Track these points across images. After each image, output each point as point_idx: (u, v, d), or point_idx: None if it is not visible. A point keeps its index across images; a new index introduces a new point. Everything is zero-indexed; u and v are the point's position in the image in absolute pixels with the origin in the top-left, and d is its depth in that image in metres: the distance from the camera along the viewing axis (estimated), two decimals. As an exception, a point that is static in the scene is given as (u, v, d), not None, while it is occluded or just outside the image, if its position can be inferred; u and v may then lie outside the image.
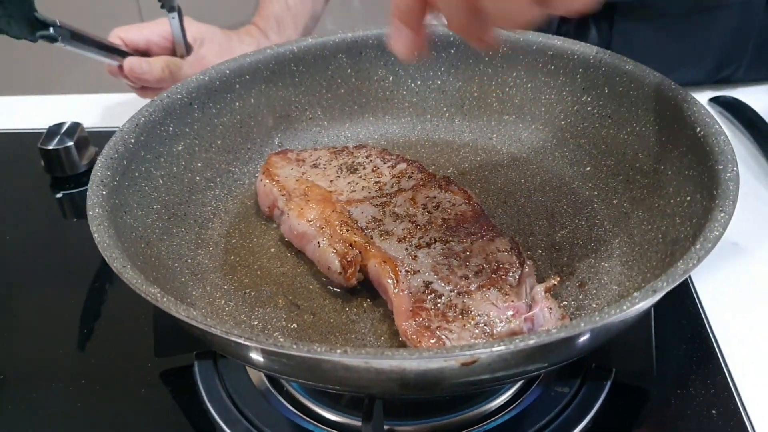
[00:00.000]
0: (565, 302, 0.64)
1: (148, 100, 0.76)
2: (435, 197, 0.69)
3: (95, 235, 0.57)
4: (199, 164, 0.78)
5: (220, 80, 0.80)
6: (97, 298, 0.81)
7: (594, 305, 0.64)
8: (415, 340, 0.57)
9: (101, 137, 1.06)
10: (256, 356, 0.51)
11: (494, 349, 0.45)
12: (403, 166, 0.74)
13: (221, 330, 0.48)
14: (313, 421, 0.64)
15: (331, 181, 0.74)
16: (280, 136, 0.85)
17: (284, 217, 0.71)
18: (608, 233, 0.71)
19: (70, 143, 0.98)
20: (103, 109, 1.16)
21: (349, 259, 0.64)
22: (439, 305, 0.59)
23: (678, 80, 1.12)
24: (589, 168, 0.78)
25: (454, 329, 0.57)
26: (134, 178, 0.69)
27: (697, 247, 0.53)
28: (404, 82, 0.88)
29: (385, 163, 0.75)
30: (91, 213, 0.59)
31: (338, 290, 0.67)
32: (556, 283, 0.60)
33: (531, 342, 0.46)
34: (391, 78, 0.88)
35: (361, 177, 0.74)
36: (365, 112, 0.88)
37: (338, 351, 0.46)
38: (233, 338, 0.48)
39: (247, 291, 0.67)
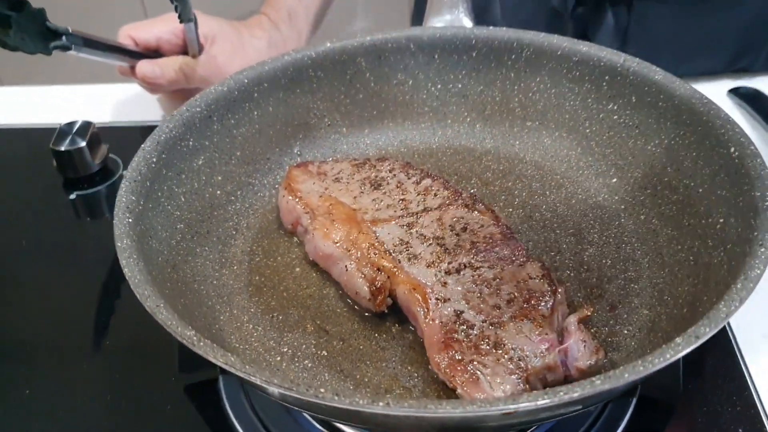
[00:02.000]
0: (595, 328, 0.64)
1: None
2: (462, 218, 0.68)
3: (126, 270, 0.56)
4: (220, 178, 0.76)
5: (238, 90, 0.78)
6: (114, 300, 0.81)
7: (626, 332, 0.63)
8: (449, 375, 0.57)
9: (113, 133, 1.06)
10: (295, 402, 0.51)
11: (539, 402, 0.45)
12: (428, 182, 0.73)
13: (261, 379, 0.48)
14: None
15: (355, 197, 0.73)
16: (300, 144, 0.84)
17: (309, 237, 0.70)
18: (637, 251, 0.70)
19: (83, 144, 0.97)
20: (114, 101, 1.14)
21: (378, 285, 0.63)
22: (471, 337, 0.58)
23: (695, 70, 1.11)
24: (615, 180, 0.77)
25: (488, 363, 0.56)
26: (157, 199, 0.68)
27: (738, 287, 0.52)
28: (424, 86, 0.87)
29: (409, 179, 0.74)
30: (119, 244, 0.58)
31: (366, 314, 0.66)
32: (589, 314, 0.60)
33: (575, 395, 0.45)
34: (410, 82, 0.86)
35: (385, 193, 0.73)
36: (384, 118, 0.87)
37: (380, 404, 0.46)
38: (274, 388, 0.47)
39: (275, 315, 0.67)
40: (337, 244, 0.67)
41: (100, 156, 1.00)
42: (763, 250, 0.55)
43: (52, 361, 0.74)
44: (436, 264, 0.64)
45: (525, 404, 0.45)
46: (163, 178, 0.69)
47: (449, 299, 0.61)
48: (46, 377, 0.72)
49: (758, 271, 0.53)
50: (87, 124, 0.99)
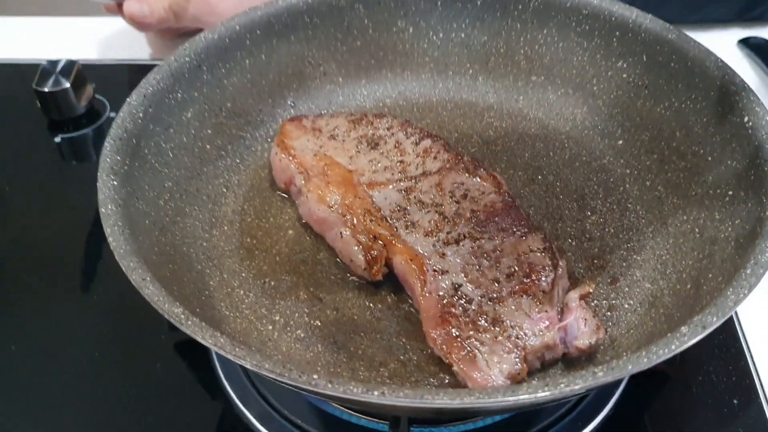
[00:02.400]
0: (596, 301, 0.62)
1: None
2: (463, 183, 0.65)
3: (110, 239, 0.54)
4: (209, 131, 0.73)
5: (229, 38, 0.74)
6: (101, 249, 0.78)
7: (626, 306, 0.62)
8: (445, 351, 0.55)
9: (99, 71, 1.01)
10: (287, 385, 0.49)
11: (539, 395, 0.44)
12: (427, 142, 0.70)
13: (252, 363, 0.46)
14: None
15: (351, 157, 0.70)
16: (293, 95, 0.80)
17: (302, 198, 0.68)
18: (641, 220, 0.68)
19: (67, 85, 0.93)
20: (99, 37, 1.09)
21: (374, 254, 0.61)
22: (468, 312, 0.57)
23: (705, 18, 1.07)
24: (621, 142, 0.74)
25: (485, 341, 0.55)
26: (144, 157, 0.65)
27: (748, 272, 0.50)
28: (425, 34, 0.82)
29: (408, 138, 0.71)
30: (103, 210, 0.56)
31: (361, 281, 0.64)
32: (590, 290, 0.58)
33: (577, 387, 0.44)
34: (411, 29, 0.82)
35: (382, 154, 0.70)
36: (382, 68, 0.83)
37: (376, 393, 0.44)
38: (265, 372, 0.46)
39: (266, 280, 0.65)
40: (332, 209, 0.64)
41: (85, 97, 0.96)
42: (774, 233, 0.53)
43: (36, 313, 0.72)
44: (435, 233, 0.62)
45: (525, 396, 0.44)
46: (150, 133, 0.66)
47: (447, 271, 0.59)
48: (31, 332, 0.71)
49: (769, 256, 0.51)
50: (71, 63, 0.95)
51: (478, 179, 0.66)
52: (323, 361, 0.58)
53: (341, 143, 0.71)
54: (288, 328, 0.61)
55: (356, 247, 0.62)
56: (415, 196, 0.65)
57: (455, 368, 0.55)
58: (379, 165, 0.68)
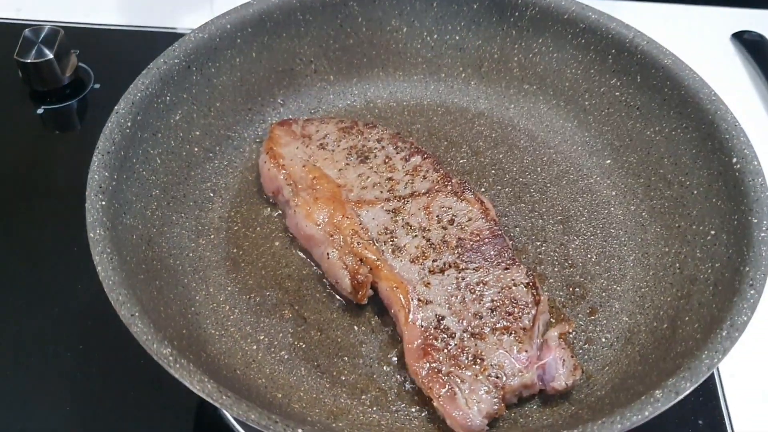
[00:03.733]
0: (574, 333, 0.64)
1: None
2: (450, 208, 0.66)
3: (99, 268, 0.54)
4: (198, 133, 0.72)
5: (220, 37, 0.72)
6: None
7: (603, 339, 0.63)
8: (426, 386, 0.57)
9: (82, 37, 0.99)
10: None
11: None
12: (417, 159, 0.70)
13: (238, 412, 0.47)
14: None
15: (340, 170, 0.69)
16: (283, 93, 0.79)
17: (290, 212, 0.67)
18: (623, 247, 0.69)
19: (50, 56, 0.90)
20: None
21: (360, 280, 0.62)
22: (450, 346, 0.58)
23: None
24: (609, 161, 0.75)
25: (466, 379, 0.56)
26: (132, 167, 0.64)
27: (724, 334, 0.52)
28: (419, 34, 0.81)
29: (398, 153, 0.70)
30: (92, 235, 0.56)
31: (345, 301, 0.65)
32: (569, 329, 0.59)
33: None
34: (405, 29, 0.81)
35: (371, 168, 0.69)
36: (375, 67, 0.82)
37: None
38: (252, 423, 0.47)
39: (252, 295, 0.65)
40: (320, 227, 0.65)
41: (70, 68, 0.94)
42: (752, 292, 0.54)
43: (19, 288, 0.74)
44: (420, 260, 0.62)
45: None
46: (138, 141, 0.65)
47: (431, 302, 0.60)
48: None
49: (745, 318, 0.52)
50: (54, 32, 0.92)
51: (466, 203, 0.66)
52: (306, 386, 0.59)
53: (331, 153, 0.71)
54: (272, 349, 0.62)
55: (342, 270, 0.62)
56: (402, 218, 0.65)
57: (435, 403, 0.56)
58: (368, 180, 0.68)
